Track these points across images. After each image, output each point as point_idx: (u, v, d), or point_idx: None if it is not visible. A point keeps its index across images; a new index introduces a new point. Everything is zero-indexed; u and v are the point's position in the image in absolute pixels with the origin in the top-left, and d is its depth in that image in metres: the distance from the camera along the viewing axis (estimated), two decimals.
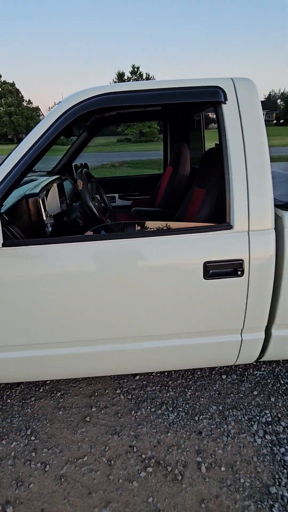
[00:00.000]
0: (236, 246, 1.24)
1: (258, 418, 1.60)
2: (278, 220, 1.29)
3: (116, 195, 2.98)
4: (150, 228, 1.42)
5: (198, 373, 1.93)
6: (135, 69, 53.67)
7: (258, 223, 1.24)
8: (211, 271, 1.25)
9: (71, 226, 1.50)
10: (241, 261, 1.24)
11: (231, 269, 1.25)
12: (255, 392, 1.76)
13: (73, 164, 2.81)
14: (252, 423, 1.58)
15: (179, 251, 1.24)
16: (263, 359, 1.53)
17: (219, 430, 1.55)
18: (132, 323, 1.33)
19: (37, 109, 52.36)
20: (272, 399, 1.71)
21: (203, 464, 1.40)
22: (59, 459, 1.44)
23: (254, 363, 1.97)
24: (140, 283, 1.25)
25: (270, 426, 1.56)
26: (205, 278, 1.25)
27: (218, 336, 1.39)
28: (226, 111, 1.20)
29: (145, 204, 2.81)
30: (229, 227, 1.24)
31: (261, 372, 1.91)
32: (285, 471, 1.35)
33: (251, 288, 1.28)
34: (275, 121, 52.69)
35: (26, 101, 52.35)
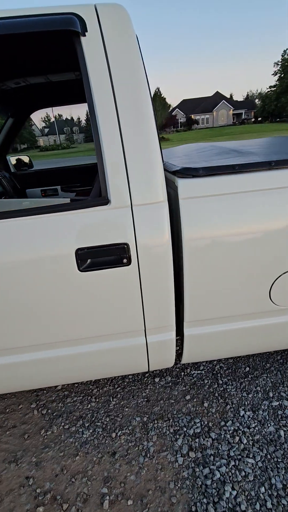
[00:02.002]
0: (116, 226, 0.89)
1: (185, 429, 1.27)
2: (172, 190, 0.95)
3: (58, 187, 2.61)
4: None
5: (130, 377, 1.59)
6: None
7: (144, 195, 0.89)
8: (88, 261, 0.90)
9: None
10: (125, 245, 0.90)
11: (114, 256, 0.90)
12: (188, 397, 1.43)
13: (8, 157, 2.44)
14: (177, 436, 1.25)
15: (43, 236, 0.89)
16: (183, 361, 1.20)
17: (137, 448, 1.22)
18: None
19: (28, 119, 51.45)
20: (206, 404, 1.38)
21: (108, 496, 1.06)
22: None
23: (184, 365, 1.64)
24: None
25: (197, 440, 1.23)
26: (80, 270, 0.90)
27: (115, 341, 1.05)
28: (87, 48, 0.85)
29: (88, 194, 2.44)
30: (105, 202, 0.89)
31: (199, 372, 1.58)
32: (204, 500, 1.02)
33: (145, 279, 0.94)
34: (253, 119, 52.21)
35: None
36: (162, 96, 51.85)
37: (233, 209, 0.93)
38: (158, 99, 50.87)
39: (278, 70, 39.30)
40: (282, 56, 38.27)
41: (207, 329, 1.08)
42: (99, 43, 0.85)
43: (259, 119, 48.82)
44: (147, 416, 1.35)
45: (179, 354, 1.21)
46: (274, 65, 39.65)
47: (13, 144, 2.42)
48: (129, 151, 0.87)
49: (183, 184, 0.91)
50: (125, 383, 1.55)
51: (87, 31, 0.84)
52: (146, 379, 1.57)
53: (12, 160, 2.60)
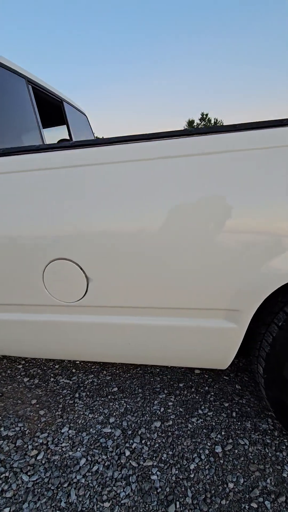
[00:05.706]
0: None
1: (1, 429, 1.20)
2: None
3: None
4: None
5: (6, 372, 1.60)
6: (204, 116, 55.31)
7: None
8: None
9: None
10: None
11: None
12: (34, 401, 1.35)
13: None
14: None
15: None
16: None
17: None
18: None
19: None
20: (42, 412, 1.27)
21: None
22: None
23: None
24: None
25: (1, 441, 1.14)
26: None
27: None
28: None
29: None
30: None
31: (67, 381, 1.47)
32: None
33: None
34: None
35: None
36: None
37: None
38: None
39: None
40: None
41: None
42: None
43: None
44: None
45: None
46: None
47: None
48: None
49: None
50: None
51: None
52: (19, 377, 1.55)
53: None
